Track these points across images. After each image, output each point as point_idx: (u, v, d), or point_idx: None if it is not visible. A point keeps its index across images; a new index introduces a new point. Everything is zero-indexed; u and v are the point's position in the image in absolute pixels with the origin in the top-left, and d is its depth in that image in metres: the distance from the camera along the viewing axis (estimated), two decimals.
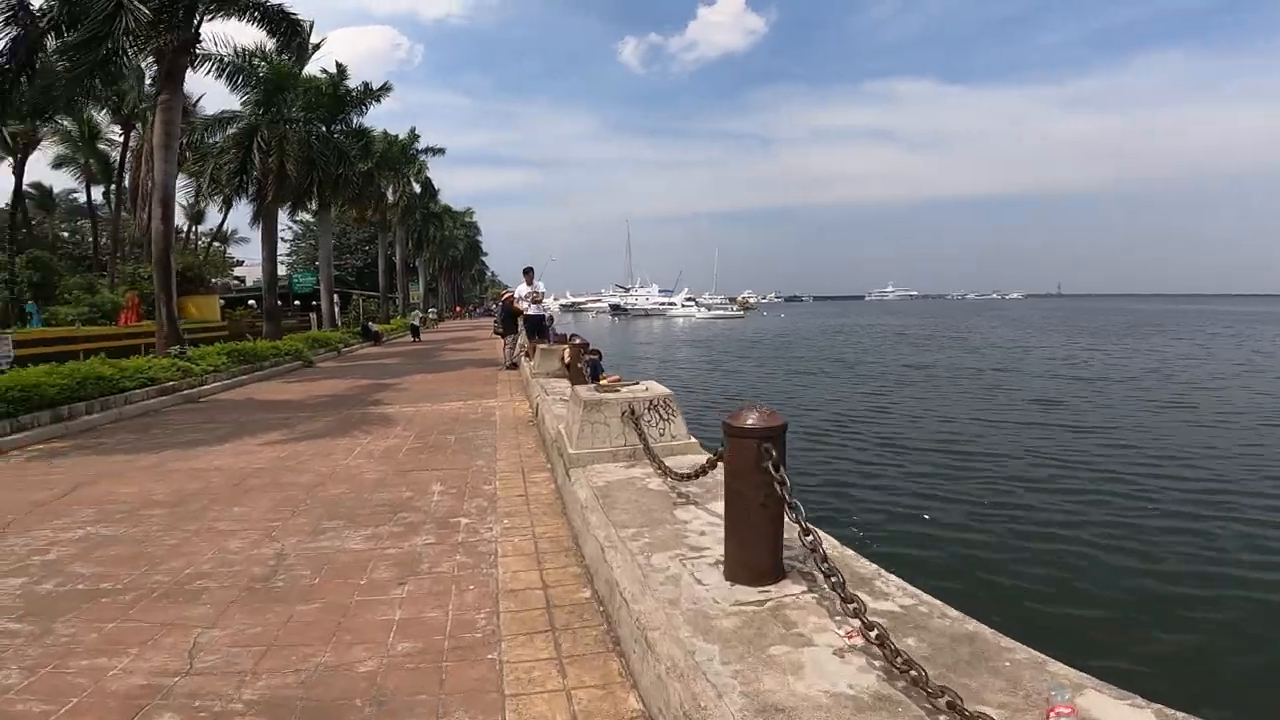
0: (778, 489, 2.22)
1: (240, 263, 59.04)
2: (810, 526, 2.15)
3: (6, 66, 7.27)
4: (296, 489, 4.78)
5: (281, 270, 46.75)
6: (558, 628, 2.75)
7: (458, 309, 61.48)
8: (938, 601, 2.33)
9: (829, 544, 2.48)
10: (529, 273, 11.70)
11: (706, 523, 3.17)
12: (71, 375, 7.86)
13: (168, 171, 12.14)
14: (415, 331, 26.90)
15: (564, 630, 2.73)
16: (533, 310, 11.42)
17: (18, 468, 5.67)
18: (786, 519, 2.37)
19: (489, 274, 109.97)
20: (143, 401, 9.10)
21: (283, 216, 23.99)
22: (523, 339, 12.24)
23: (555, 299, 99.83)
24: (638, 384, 4.83)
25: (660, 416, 4.33)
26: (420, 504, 4.38)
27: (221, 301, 28.20)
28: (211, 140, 17.93)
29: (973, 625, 2.15)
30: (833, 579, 2.01)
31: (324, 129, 19.44)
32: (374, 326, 25.56)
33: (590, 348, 7.45)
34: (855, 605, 1.90)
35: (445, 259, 54.54)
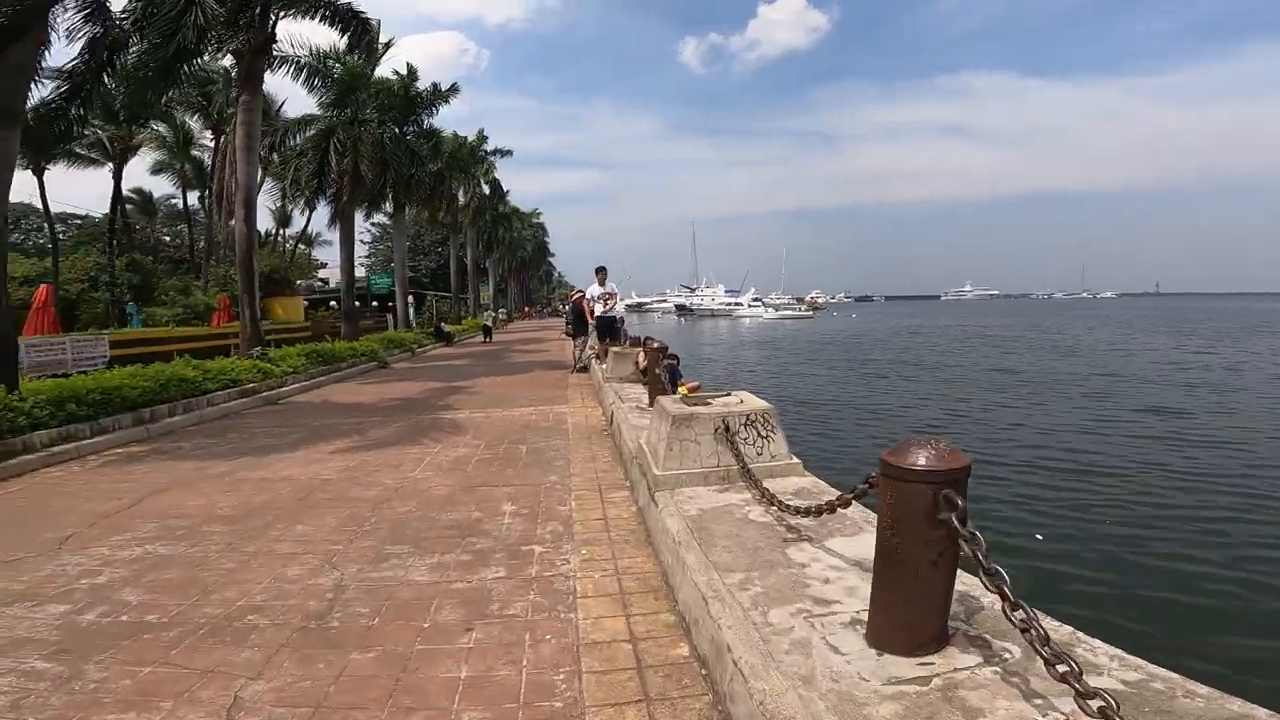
0: (964, 547, 1.66)
1: (324, 265, 61.80)
2: (1019, 601, 1.58)
3: (86, 67, 7.43)
4: (363, 504, 4.49)
5: (360, 272, 48.69)
6: (652, 697, 2.27)
7: (526, 309, 62.35)
8: (1173, 674, 1.74)
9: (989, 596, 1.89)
10: (601, 272, 11.35)
11: (829, 566, 2.63)
12: (155, 377, 7.97)
13: (249, 173, 12.41)
14: (487, 332, 27.18)
15: (660, 701, 2.25)
16: (604, 311, 11.05)
17: (93, 474, 5.65)
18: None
19: (555, 274, 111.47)
20: (224, 404, 9.22)
21: (359, 219, 24.67)
22: (593, 341, 11.89)
23: (621, 300, 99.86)
24: (729, 395, 4.30)
25: (758, 433, 3.79)
26: (490, 527, 3.99)
27: (305, 303, 29.36)
28: (292, 144, 18.48)
29: (1238, 705, 1.57)
30: (1045, 650, 1.46)
31: (396, 130, 19.75)
32: (446, 327, 25.90)
33: (668, 351, 6.95)
34: (1078, 684, 1.34)
35: (514, 260, 55.39)
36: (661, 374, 5.99)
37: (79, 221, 37.25)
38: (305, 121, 18.24)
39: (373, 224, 59.50)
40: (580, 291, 12.87)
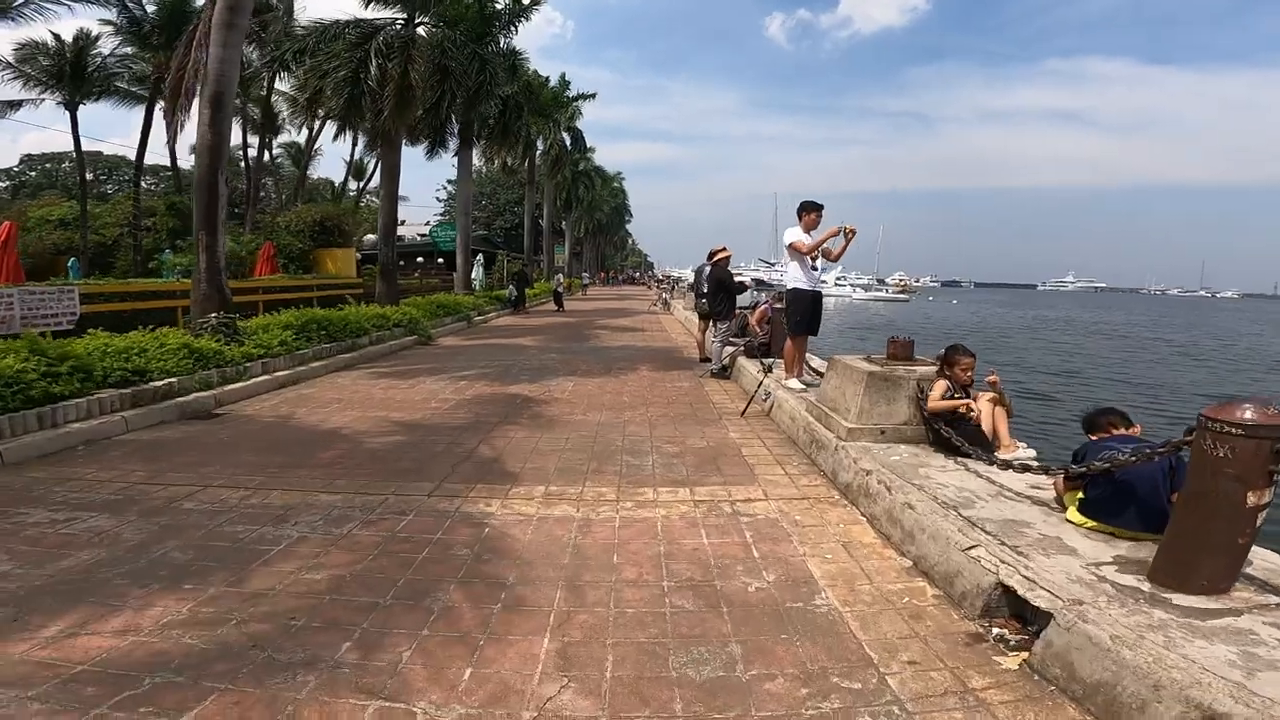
0: None
1: (403, 221, 58.83)
2: None
3: None
4: None
5: (430, 224, 44.99)
6: None
7: (602, 274, 58.27)
8: None
9: None
10: (812, 208, 5.80)
11: None
12: None
13: (225, 59, 8.01)
14: (559, 299, 22.70)
15: None
16: (807, 279, 5.76)
17: None
18: None
19: (631, 241, 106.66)
20: (88, 421, 4.88)
21: (425, 162, 20.32)
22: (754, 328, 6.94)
23: (692, 269, 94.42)
24: None
25: None
26: None
27: (359, 256, 25.64)
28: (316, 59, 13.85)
29: None
30: None
31: (459, 36, 15.07)
32: (514, 292, 21.57)
33: None
34: None
35: (591, 222, 50.82)
36: None
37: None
38: (339, 28, 13.62)
39: (449, 182, 56.09)
40: (724, 249, 7.95)
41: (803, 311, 5.67)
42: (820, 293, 5.72)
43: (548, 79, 32.67)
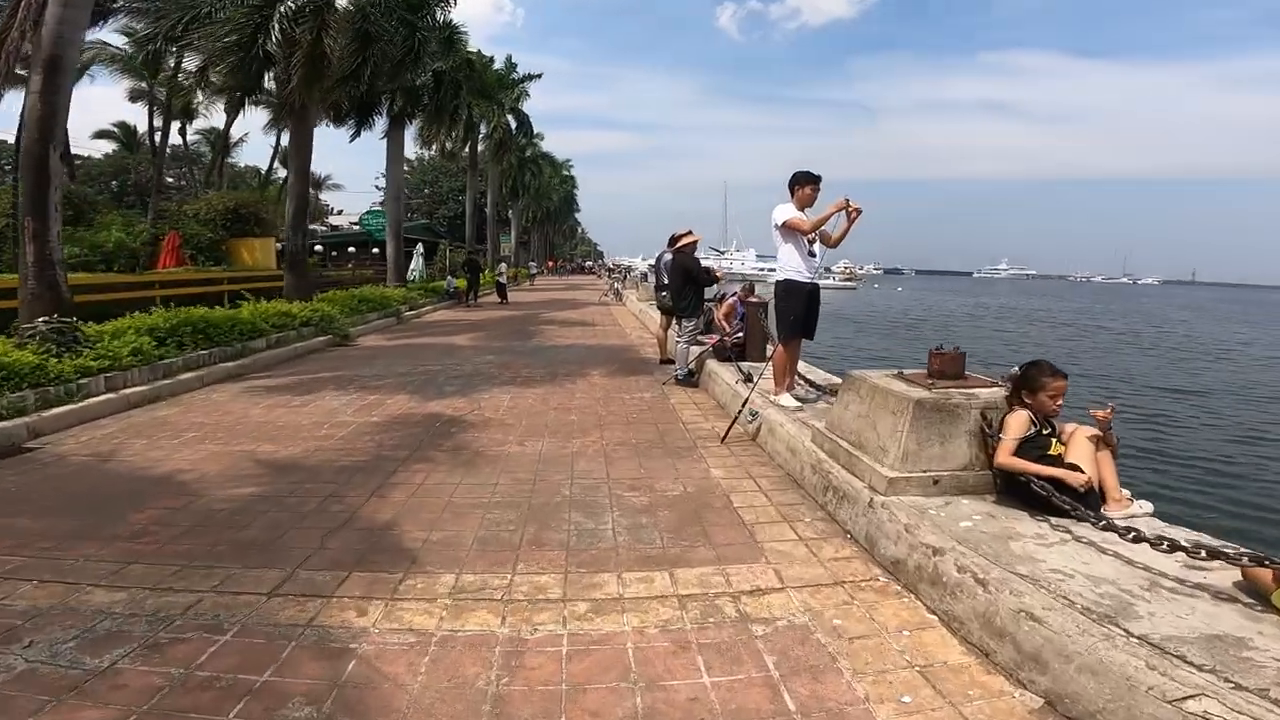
0: None
1: (338, 211, 55.24)
2: None
3: None
4: None
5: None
6: None
7: (550, 263, 56.55)
8: None
9: None
10: (808, 180, 4.49)
11: None
12: None
13: (65, 19, 6.34)
14: (502, 291, 21.15)
15: None
16: (806, 268, 4.48)
17: None
18: None
19: (580, 230, 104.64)
20: None
21: (373, 154, 18.51)
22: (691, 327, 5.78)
23: (642, 259, 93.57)
24: None
25: None
26: None
27: (279, 246, 23.40)
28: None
29: None
30: None
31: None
32: (455, 283, 20.00)
33: None
34: None
35: (540, 210, 48.96)
36: None
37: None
38: None
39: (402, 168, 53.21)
40: (689, 233, 6.72)
41: (798, 309, 4.43)
42: (819, 286, 4.52)
43: (492, 59, 30.91)
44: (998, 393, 2.92)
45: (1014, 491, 2.74)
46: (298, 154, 12.13)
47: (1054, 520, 2.59)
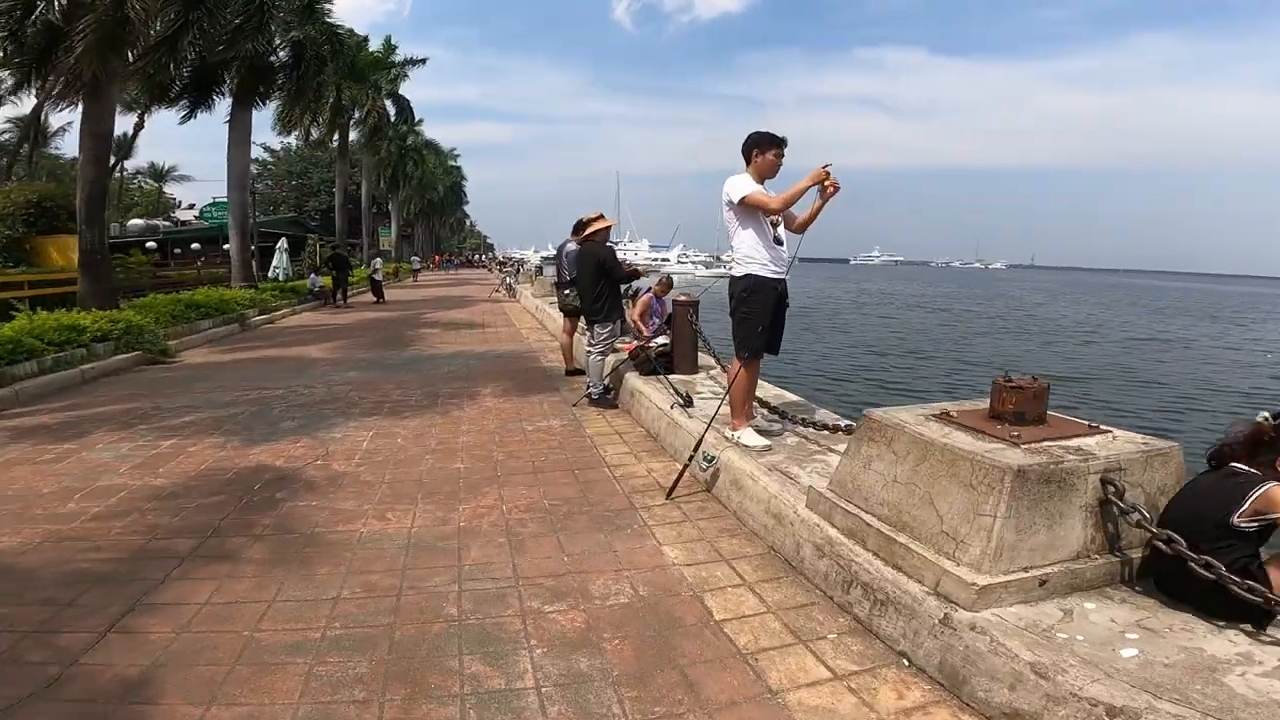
0: None
1: (187, 205, 48.98)
2: None
3: None
4: None
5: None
6: None
7: (436, 258, 53.32)
8: None
9: None
10: (770, 142, 3.33)
11: None
12: None
13: None
14: (377, 288, 18.87)
15: None
16: (775, 264, 3.32)
17: None
18: None
19: (468, 223, 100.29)
20: None
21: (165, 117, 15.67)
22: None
23: (535, 251, 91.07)
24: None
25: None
26: None
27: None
28: None
29: None
30: None
31: None
32: (320, 281, 17.65)
33: None
34: None
35: (423, 201, 45.75)
36: None
37: None
38: None
39: (268, 151, 47.86)
40: (601, 217, 5.44)
41: (764, 315, 3.29)
42: (786, 283, 3.36)
43: (367, 38, 28.06)
44: (1120, 447, 1.90)
45: (1168, 589, 1.72)
46: (88, 137, 9.58)
47: (1246, 628, 1.60)
